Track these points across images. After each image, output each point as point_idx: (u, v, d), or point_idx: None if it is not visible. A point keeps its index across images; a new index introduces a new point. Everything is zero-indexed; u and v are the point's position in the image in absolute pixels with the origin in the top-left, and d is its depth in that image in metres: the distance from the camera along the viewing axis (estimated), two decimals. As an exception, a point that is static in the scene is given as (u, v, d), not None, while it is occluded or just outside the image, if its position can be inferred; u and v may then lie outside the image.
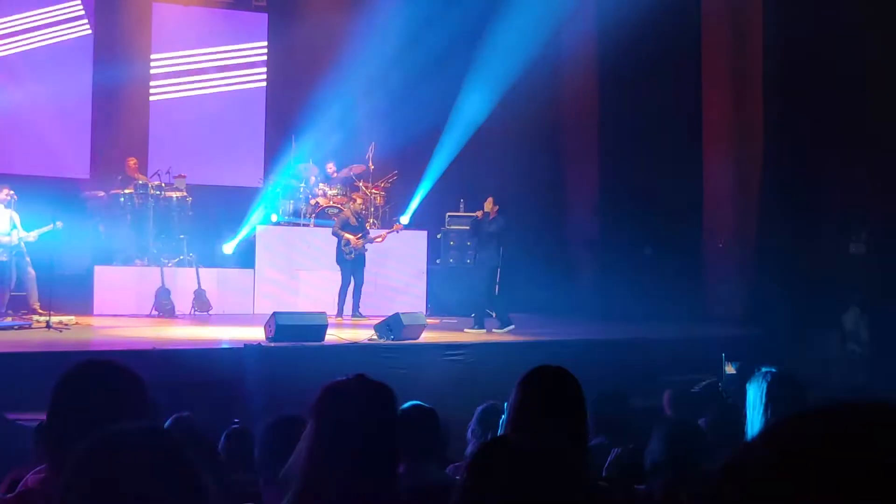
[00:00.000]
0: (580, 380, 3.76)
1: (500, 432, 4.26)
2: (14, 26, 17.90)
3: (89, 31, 18.60)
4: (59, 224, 13.98)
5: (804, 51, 15.66)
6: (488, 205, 14.49)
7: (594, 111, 17.91)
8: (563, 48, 18.59)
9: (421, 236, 17.51)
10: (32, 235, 14.41)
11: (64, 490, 1.87)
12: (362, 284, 15.86)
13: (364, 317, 15.46)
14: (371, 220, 17.16)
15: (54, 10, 18.21)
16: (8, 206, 14.40)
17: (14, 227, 14.32)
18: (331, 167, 17.77)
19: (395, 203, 18.06)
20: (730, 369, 7.76)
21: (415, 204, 18.19)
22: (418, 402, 5.24)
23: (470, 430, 5.73)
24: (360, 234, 15.72)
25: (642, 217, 16.97)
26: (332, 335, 12.00)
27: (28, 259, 14.47)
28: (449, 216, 18.01)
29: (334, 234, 15.72)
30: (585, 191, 18.42)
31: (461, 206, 18.08)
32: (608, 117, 17.63)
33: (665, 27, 16.82)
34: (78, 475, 1.87)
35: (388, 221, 17.33)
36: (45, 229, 14.19)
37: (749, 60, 16.86)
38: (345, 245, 15.63)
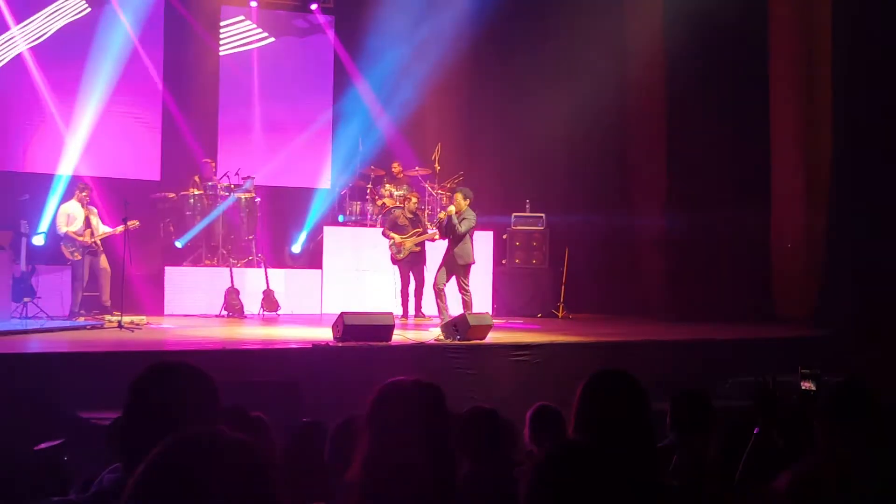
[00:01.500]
0: (644, 381, 3.76)
1: (559, 434, 4.27)
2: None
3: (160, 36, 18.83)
4: (131, 224, 14.14)
5: (874, 48, 15.43)
6: (458, 202, 14.34)
7: (661, 110, 17.77)
8: (630, 46, 18.48)
9: (486, 237, 17.51)
10: (105, 234, 14.63)
11: (135, 489, 1.92)
12: (422, 284, 15.91)
13: (426, 317, 15.51)
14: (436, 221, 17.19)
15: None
16: (85, 205, 14.65)
17: (88, 227, 14.55)
18: (396, 167, 17.84)
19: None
20: (807, 385, 7.50)
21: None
22: (482, 404, 5.27)
23: (526, 434, 5.74)
24: (409, 234, 15.79)
25: (709, 217, 16.83)
26: (399, 335, 12.05)
27: (103, 256, 14.70)
28: (515, 217, 17.98)
29: (383, 234, 15.87)
30: (652, 190, 18.29)
31: (527, 206, 18.04)
32: (675, 116, 17.48)
33: (732, 25, 16.67)
34: (150, 476, 1.90)
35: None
36: (117, 230, 14.39)
37: (818, 59, 16.64)
38: (391, 245, 15.77)
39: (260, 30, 19.68)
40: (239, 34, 19.56)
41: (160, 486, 1.87)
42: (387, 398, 2.97)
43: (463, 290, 14.16)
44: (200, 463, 1.87)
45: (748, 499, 4.07)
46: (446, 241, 14.49)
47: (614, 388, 3.68)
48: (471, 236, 14.36)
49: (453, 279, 14.34)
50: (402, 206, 16.58)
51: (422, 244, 15.96)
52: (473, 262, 14.44)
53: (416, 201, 16.46)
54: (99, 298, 14.88)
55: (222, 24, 19.40)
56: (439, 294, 14.20)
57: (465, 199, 14.21)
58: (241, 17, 19.49)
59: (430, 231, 16.05)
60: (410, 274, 15.97)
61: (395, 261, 15.89)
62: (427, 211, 17.12)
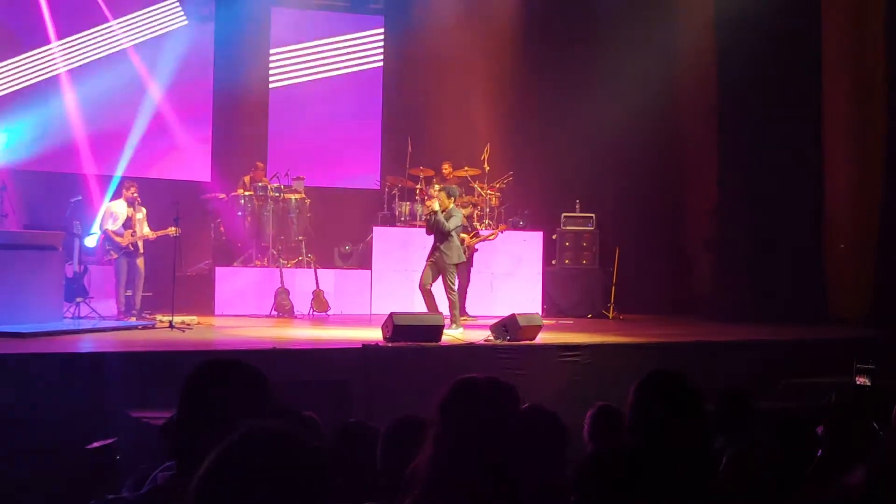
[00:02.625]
0: (695, 381, 3.72)
1: (617, 435, 4.23)
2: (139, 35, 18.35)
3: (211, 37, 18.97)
4: (172, 231, 14.20)
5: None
6: (442, 200, 14.05)
7: (712, 110, 17.63)
8: (681, 47, 18.36)
9: (536, 237, 17.46)
10: (147, 236, 14.70)
11: (200, 484, 1.91)
12: (468, 285, 15.89)
13: (471, 317, 15.46)
14: (486, 221, 17.18)
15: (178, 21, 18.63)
16: (131, 204, 14.72)
17: (130, 226, 14.59)
18: (447, 168, 17.82)
19: (511, 204, 18.03)
20: (862, 380, 7.37)
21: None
22: (538, 404, 5.22)
23: (586, 434, 5.70)
24: (471, 234, 15.76)
25: (761, 217, 16.68)
26: (449, 336, 12.03)
27: (140, 258, 14.77)
28: (564, 217, 17.91)
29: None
30: (703, 190, 18.16)
31: (577, 206, 17.97)
32: (726, 116, 17.33)
33: (784, 27, 16.53)
34: (215, 471, 1.90)
35: (503, 222, 17.31)
36: (164, 231, 14.46)
37: (871, 59, 16.46)
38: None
39: (309, 34, 19.77)
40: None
41: (228, 478, 1.87)
42: (459, 394, 2.94)
43: (449, 289, 13.94)
44: (267, 457, 1.87)
45: (817, 497, 4.00)
46: (495, 238, 14.43)
47: (668, 389, 3.64)
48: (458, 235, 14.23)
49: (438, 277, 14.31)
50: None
51: (475, 246, 15.94)
52: (462, 262, 14.28)
53: (470, 209, 16.50)
54: (146, 298, 14.97)
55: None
56: (427, 294, 13.99)
57: (448, 197, 14.09)
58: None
59: (483, 232, 16.06)
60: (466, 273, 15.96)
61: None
62: (476, 212, 17.08)
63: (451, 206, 13.99)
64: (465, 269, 15.79)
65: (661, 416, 3.54)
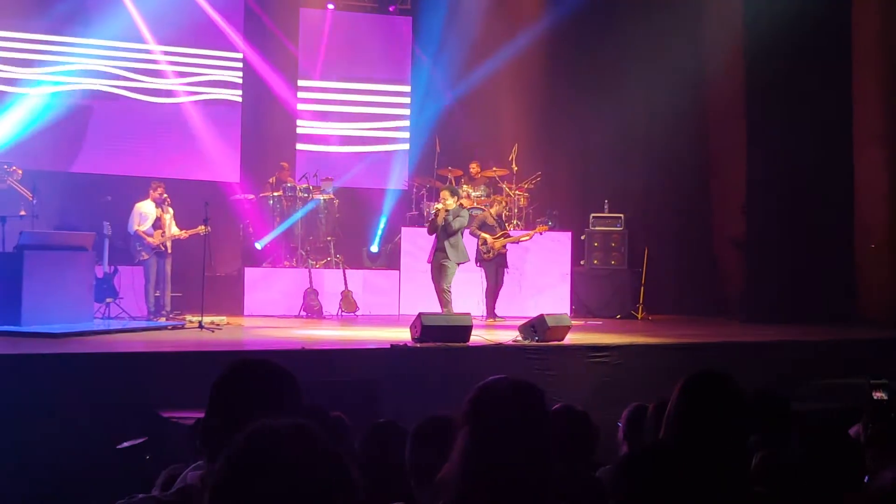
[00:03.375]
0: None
1: (654, 435, 4.19)
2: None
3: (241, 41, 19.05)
4: (201, 230, 14.26)
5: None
6: (446, 200, 14.08)
7: (740, 109, 17.53)
8: (709, 45, 18.29)
9: (565, 238, 17.43)
10: (175, 236, 14.77)
11: (217, 481, 1.92)
12: (500, 286, 15.88)
13: (500, 318, 15.45)
14: (514, 222, 17.16)
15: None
16: (159, 204, 14.79)
17: (159, 227, 14.67)
18: (475, 168, 17.81)
19: (539, 204, 18.01)
20: (879, 395, 7.27)
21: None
22: (568, 404, 5.22)
23: (621, 433, 5.68)
24: (497, 235, 15.75)
25: (791, 217, 16.57)
26: (477, 336, 12.02)
27: (169, 259, 14.85)
28: (593, 217, 17.88)
29: (472, 233, 15.80)
30: (732, 189, 18.07)
31: (605, 206, 17.93)
32: (755, 114, 17.22)
33: (814, 23, 16.41)
34: (231, 467, 1.91)
35: (532, 223, 17.30)
36: (195, 230, 14.52)
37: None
38: (482, 245, 15.70)
39: (337, 35, 19.82)
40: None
41: (242, 474, 1.88)
42: (487, 396, 2.94)
43: (443, 289, 14.05)
44: (280, 452, 1.87)
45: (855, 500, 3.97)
46: (530, 239, 14.40)
47: (714, 389, 3.62)
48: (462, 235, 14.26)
49: (455, 277, 14.28)
50: (483, 207, 16.55)
51: (505, 246, 15.94)
52: (464, 261, 14.31)
53: (505, 205, 16.52)
54: (175, 299, 15.04)
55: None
56: (446, 293, 14.01)
57: (451, 195, 14.10)
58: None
59: (515, 233, 16.07)
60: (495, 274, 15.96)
61: (480, 261, 15.82)
62: (505, 213, 17.07)
63: (456, 205, 14.02)
64: (496, 269, 15.78)
65: (705, 416, 3.52)
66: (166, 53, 18.31)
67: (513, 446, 2.82)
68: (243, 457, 1.89)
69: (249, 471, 1.86)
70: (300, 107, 19.64)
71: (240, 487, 1.86)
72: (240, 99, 19.01)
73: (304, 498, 1.83)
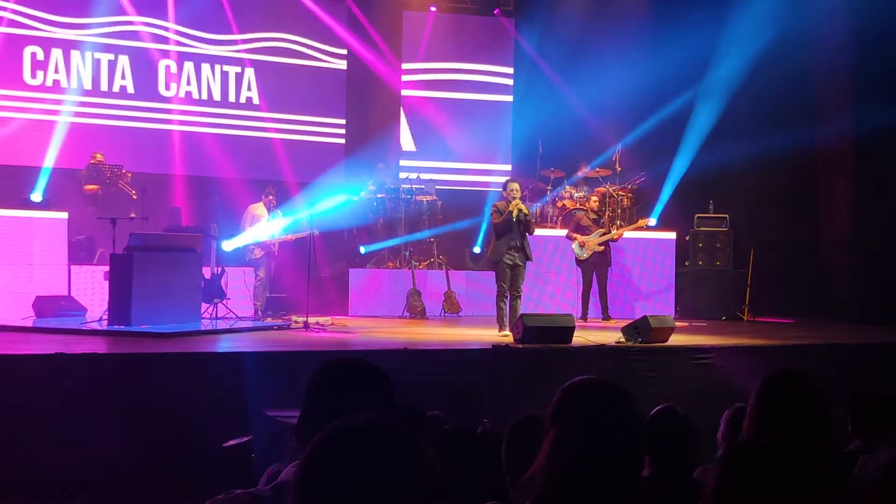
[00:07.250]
0: (829, 385, 3.65)
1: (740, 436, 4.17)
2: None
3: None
4: (315, 233, 14.41)
5: None
6: (518, 193, 13.34)
7: (847, 106, 17.20)
8: (815, 44, 17.96)
9: (669, 238, 17.29)
10: (284, 238, 14.96)
11: (295, 478, 1.94)
12: (606, 286, 15.82)
13: (612, 319, 15.39)
14: (618, 223, 17.04)
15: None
16: (269, 207, 15.00)
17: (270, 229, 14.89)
18: (583, 169, 17.78)
19: (644, 204, 17.88)
20: None
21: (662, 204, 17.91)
22: (670, 406, 5.18)
23: (720, 434, 5.63)
24: (591, 235, 15.69)
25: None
26: (580, 337, 11.99)
27: (274, 262, 15.07)
28: (698, 217, 17.68)
29: (567, 237, 15.78)
30: (839, 190, 17.75)
31: (710, 207, 17.73)
32: (862, 112, 16.87)
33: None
34: (305, 465, 1.93)
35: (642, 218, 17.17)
36: (302, 234, 14.69)
37: None
38: (574, 247, 15.68)
39: (439, 37, 19.91)
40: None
41: (315, 471, 1.90)
42: (572, 397, 2.94)
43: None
44: (355, 450, 1.89)
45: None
46: (619, 238, 14.27)
47: (790, 388, 3.58)
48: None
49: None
50: (583, 207, 16.52)
51: (606, 244, 15.87)
52: (497, 259, 13.34)
53: (596, 199, 16.45)
54: (282, 299, 15.24)
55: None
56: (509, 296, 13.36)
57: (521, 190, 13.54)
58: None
59: (613, 231, 16.01)
60: (594, 275, 15.88)
61: (578, 263, 15.81)
62: (608, 212, 16.99)
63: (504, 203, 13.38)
64: (593, 270, 15.76)
65: (782, 415, 3.49)
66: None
67: (596, 446, 2.81)
68: (317, 454, 1.91)
69: (322, 468, 1.88)
70: (405, 96, 19.84)
71: (314, 485, 1.88)
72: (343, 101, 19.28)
73: (380, 495, 1.84)
